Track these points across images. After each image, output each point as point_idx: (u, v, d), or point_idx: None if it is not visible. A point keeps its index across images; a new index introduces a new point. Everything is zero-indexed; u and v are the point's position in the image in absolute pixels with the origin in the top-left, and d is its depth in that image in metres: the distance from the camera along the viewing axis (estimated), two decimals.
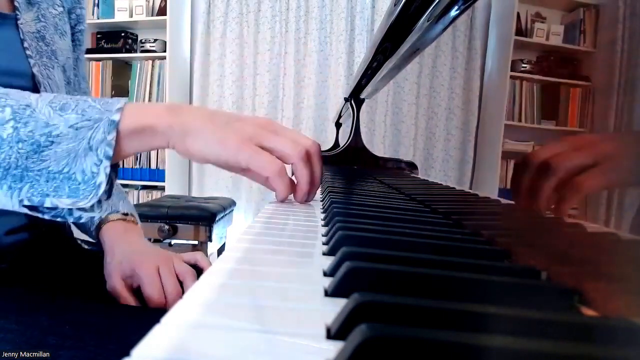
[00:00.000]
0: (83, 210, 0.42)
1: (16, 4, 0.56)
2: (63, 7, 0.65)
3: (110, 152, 0.40)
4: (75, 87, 0.71)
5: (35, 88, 0.58)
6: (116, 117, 0.40)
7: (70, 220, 0.42)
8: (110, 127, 0.40)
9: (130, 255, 0.61)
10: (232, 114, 0.47)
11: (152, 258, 0.60)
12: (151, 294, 0.57)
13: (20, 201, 0.39)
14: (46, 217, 0.42)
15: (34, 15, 0.59)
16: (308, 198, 0.49)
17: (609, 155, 0.31)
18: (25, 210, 0.40)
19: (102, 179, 0.40)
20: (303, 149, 0.44)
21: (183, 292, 0.59)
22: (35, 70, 0.57)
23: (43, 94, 0.41)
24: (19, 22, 0.56)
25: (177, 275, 0.59)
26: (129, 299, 0.58)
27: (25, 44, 0.57)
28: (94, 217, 0.42)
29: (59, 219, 0.42)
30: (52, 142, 0.39)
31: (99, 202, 0.42)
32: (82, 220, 0.42)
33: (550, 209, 0.35)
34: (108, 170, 0.40)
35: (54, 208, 0.41)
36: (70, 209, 0.42)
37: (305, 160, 0.45)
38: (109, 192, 0.42)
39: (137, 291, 0.59)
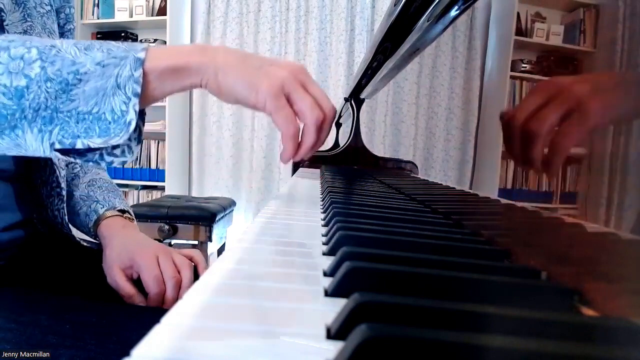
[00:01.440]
0: (114, 155, 0.42)
1: (1, 5, 0.56)
2: (51, 6, 0.65)
3: (138, 90, 0.39)
4: None
5: None
6: (142, 54, 0.40)
7: (102, 164, 0.42)
8: (137, 64, 0.40)
9: (129, 246, 0.61)
10: (264, 57, 0.47)
11: (150, 248, 0.61)
12: (150, 281, 0.58)
13: (52, 144, 0.39)
14: (78, 161, 0.41)
15: (19, 15, 0.58)
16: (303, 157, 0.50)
17: (582, 99, 0.31)
18: (57, 155, 0.40)
19: (132, 116, 0.39)
20: (321, 116, 0.45)
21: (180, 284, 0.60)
22: None
23: (65, 39, 0.41)
24: (4, 23, 0.56)
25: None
26: (129, 289, 0.59)
27: None
28: (125, 160, 0.42)
29: (90, 164, 0.42)
30: (80, 79, 0.38)
31: (129, 147, 0.42)
32: (114, 165, 0.42)
33: (543, 170, 0.35)
34: (137, 107, 0.39)
35: (85, 153, 0.41)
36: (101, 155, 0.42)
37: (317, 126, 0.45)
38: (138, 138, 0.42)
39: (137, 283, 0.60)
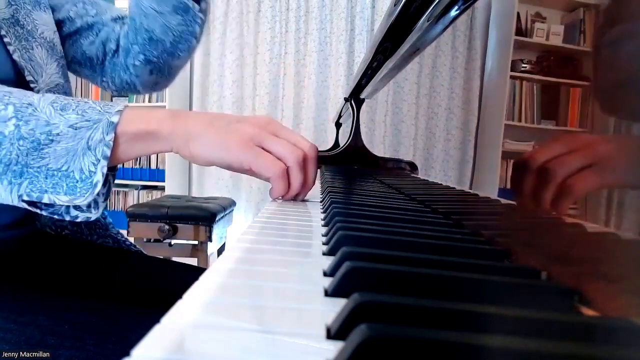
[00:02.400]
0: (80, 209, 0.43)
1: None
2: None
3: (108, 152, 0.40)
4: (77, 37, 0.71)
5: (18, 74, 0.58)
6: (115, 118, 0.41)
7: (67, 218, 0.43)
8: (109, 128, 0.41)
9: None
10: (233, 116, 0.48)
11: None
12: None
13: (20, 196, 0.40)
14: (44, 213, 0.43)
15: (4, 1, 0.59)
16: (297, 198, 0.50)
17: (604, 156, 0.32)
18: (25, 206, 0.41)
19: (98, 178, 0.40)
20: (300, 154, 0.45)
21: None
22: (15, 56, 0.57)
23: (46, 94, 0.42)
24: None
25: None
26: None
27: (2, 32, 0.57)
28: (90, 216, 0.44)
29: (56, 216, 0.43)
30: (52, 140, 0.40)
31: (96, 202, 0.43)
32: (79, 220, 0.44)
33: (550, 210, 0.36)
34: (105, 169, 0.41)
35: (52, 205, 0.42)
36: (67, 207, 0.43)
37: (300, 165, 0.45)
38: (106, 194, 0.43)
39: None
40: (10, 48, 0.57)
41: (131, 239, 1.76)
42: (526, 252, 0.29)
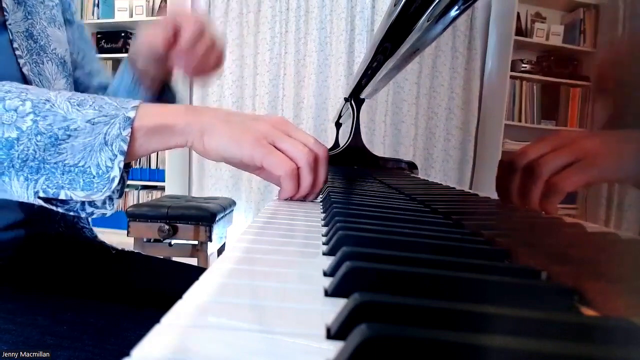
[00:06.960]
0: (95, 206, 0.43)
1: (4, 5, 0.56)
2: None
3: (125, 148, 0.40)
4: (84, 69, 0.71)
5: None
6: (132, 114, 0.41)
7: (83, 215, 0.44)
8: (126, 123, 0.41)
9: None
10: (248, 114, 0.48)
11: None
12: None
13: (36, 192, 0.40)
14: (60, 210, 0.43)
15: (22, 14, 0.59)
16: (307, 199, 0.50)
17: (589, 152, 0.32)
18: (40, 202, 0.41)
19: (115, 173, 0.40)
20: (312, 155, 0.46)
21: None
22: (25, 69, 0.57)
23: (62, 91, 0.43)
24: (7, 23, 0.56)
25: None
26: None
27: (15, 45, 0.57)
28: (105, 213, 0.44)
29: (71, 213, 0.43)
30: (70, 135, 0.40)
31: (111, 199, 0.43)
32: (94, 216, 0.44)
33: (538, 208, 0.36)
34: (122, 165, 0.41)
35: (68, 202, 0.42)
36: (82, 204, 0.43)
37: (311, 166, 0.46)
38: (121, 191, 0.43)
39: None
40: (21, 61, 0.57)
41: (131, 239, 1.76)
42: (526, 252, 0.29)
